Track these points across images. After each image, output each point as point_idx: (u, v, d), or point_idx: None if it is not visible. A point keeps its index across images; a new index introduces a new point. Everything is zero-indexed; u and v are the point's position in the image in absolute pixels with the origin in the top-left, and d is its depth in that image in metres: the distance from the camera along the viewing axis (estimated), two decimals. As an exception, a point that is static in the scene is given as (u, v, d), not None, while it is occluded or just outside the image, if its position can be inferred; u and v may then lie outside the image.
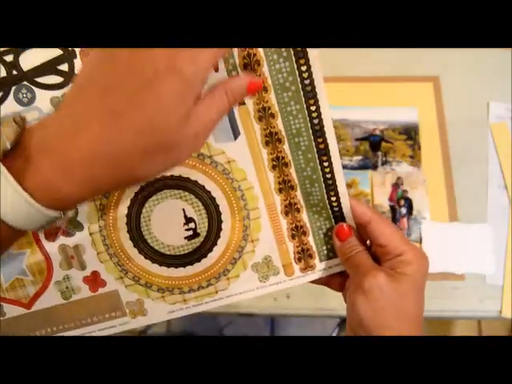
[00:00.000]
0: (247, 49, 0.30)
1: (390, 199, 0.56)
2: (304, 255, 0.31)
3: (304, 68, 0.29)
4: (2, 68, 0.29)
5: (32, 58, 0.29)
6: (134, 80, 0.22)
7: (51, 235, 0.31)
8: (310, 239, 0.31)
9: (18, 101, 0.29)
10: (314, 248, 0.31)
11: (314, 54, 0.30)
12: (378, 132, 0.60)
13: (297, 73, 0.28)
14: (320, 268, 0.32)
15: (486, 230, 0.52)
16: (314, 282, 0.33)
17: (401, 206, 0.56)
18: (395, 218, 0.55)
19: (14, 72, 0.29)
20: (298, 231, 0.31)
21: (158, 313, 0.33)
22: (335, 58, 0.58)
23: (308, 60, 0.29)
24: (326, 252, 0.31)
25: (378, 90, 0.62)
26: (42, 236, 0.31)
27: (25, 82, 0.29)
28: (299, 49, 0.30)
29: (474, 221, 0.48)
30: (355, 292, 0.28)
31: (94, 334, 0.33)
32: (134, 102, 0.21)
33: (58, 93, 0.29)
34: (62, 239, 0.31)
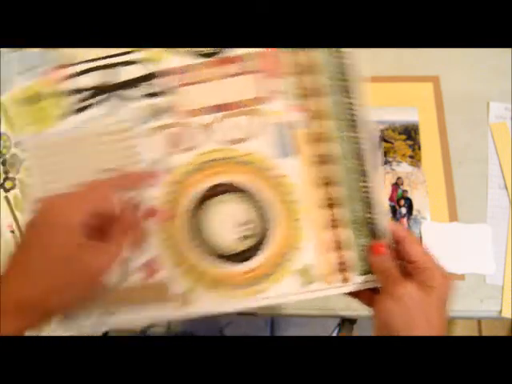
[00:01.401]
0: (305, 79, 0.34)
1: (390, 199, 0.56)
2: (342, 268, 0.33)
3: (354, 101, 0.33)
4: (101, 78, 0.33)
5: (125, 74, 0.34)
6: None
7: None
8: (349, 254, 0.33)
9: (108, 107, 0.34)
10: (352, 262, 0.33)
11: (362, 91, 0.33)
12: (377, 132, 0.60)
13: (348, 106, 0.33)
14: (356, 281, 0.33)
15: (485, 230, 0.52)
16: (355, 297, 0.35)
17: (401, 206, 0.56)
18: (395, 218, 0.55)
19: (110, 84, 0.33)
20: (338, 245, 0.33)
21: (206, 305, 0.34)
22: (335, 58, 0.58)
23: (354, 95, 0.33)
24: (362, 267, 0.33)
25: (378, 90, 0.62)
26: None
27: (116, 92, 0.33)
28: (349, 83, 0.33)
29: (474, 221, 0.48)
30: (386, 299, 0.31)
31: (143, 320, 0.35)
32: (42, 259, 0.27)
33: (141, 104, 0.33)
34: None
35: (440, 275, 0.31)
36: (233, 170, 0.33)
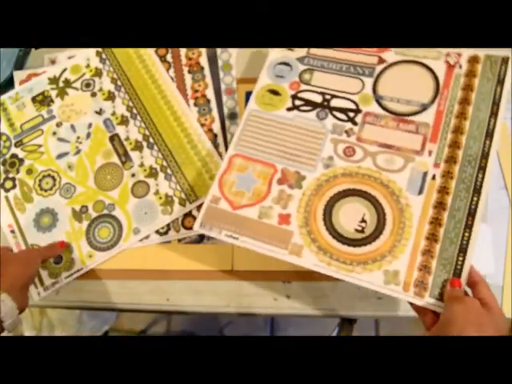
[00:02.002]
0: (448, 151, 0.46)
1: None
2: (421, 285, 0.42)
3: (480, 175, 0.44)
4: (321, 98, 0.52)
5: (338, 103, 0.51)
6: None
7: (281, 182, 0.48)
8: (430, 278, 0.42)
9: (317, 115, 0.51)
10: (430, 285, 0.41)
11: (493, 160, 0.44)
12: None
13: (474, 178, 0.44)
14: (427, 301, 0.41)
15: (485, 230, 0.52)
16: (413, 305, 0.42)
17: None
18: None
19: (325, 103, 0.51)
20: (425, 268, 0.42)
21: (308, 260, 0.44)
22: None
23: (485, 170, 0.44)
24: (436, 292, 0.41)
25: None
26: (275, 179, 0.48)
27: (326, 110, 0.51)
28: (484, 162, 0.44)
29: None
30: (455, 303, 0.38)
31: (259, 250, 0.45)
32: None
33: (339, 122, 0.50)
34: (285, 187, 0.48)
35: (501, 312, 0.38)
36: (373, 186, 0.46)
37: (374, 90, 0.51)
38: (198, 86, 0.61)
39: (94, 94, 0.62)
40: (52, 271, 0.54)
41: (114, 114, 0.60)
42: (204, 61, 0.63)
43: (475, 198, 0.43)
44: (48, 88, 0.63)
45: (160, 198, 0.56)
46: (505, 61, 0.47)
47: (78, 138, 0.60)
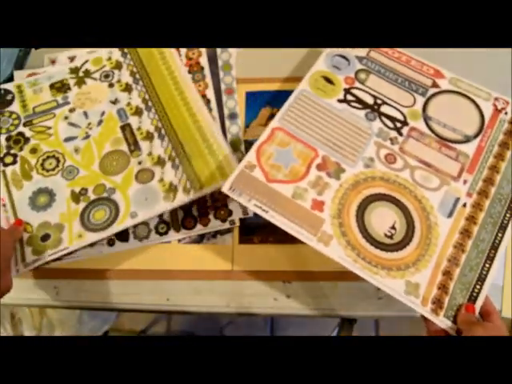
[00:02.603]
0: (480, 184, 0.49)
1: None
2: (437, 303, 0.43)
3: (508, 215, 0.47)
4: (373, 100, 0.53)
5: (388, 110, 0.53)
6: None
7: (321, 168, 0.48)
8: (447, 299, 0.43)
9: (366, 115, 0.52)
10: (446, 305, 0.43)
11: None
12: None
13: (503, 215, 0.47)
14: (441, 320, 0.42)
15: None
16: (428, 323, 0.43)
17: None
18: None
19: (376, 107, 0.53)
20: (443, 288, 0.43)
21: (335, 252, 0.44)
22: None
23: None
24: (450, 314, 0.42)
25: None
26: (314, 163, 0.48)
27: (375, 113, 0.52)
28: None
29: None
30: (475, 327, 0.39)
31: (287, 229, 0.44)
32: None
33: (385, 128, 0.51)
34: (323, 174, 0.48)
35: None
36: (407, 197, 0.47)
37: (424, 109, 0.52)
38: (198, 86, 0.62)
39: (111, 85, 0.63)
40: (37, 248, 0.53)
41: (128, 104, 0.61)
42: (204, 61, 0.63)
43: (500, 234, 0.46)
44: (67, 77, 0.64)
45: (164, 185, 0.55)
46: None
47: (89, 124, 0.60)
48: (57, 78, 0.64)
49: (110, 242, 0.55)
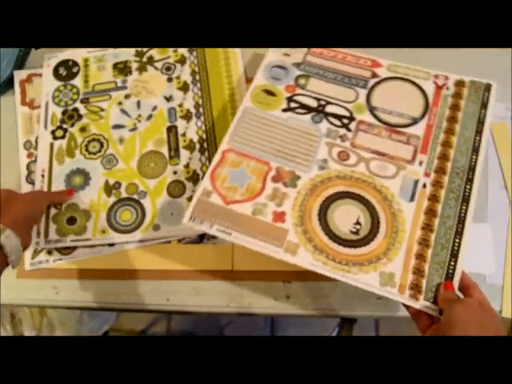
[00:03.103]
0: (437, 162, 0.49)
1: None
2: (416, 288, 0.43)
3: (468, 187, 0.47)
4: (316, 103, 0.53)
5: (333, 109, 0.53)
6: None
7: (276, 179, 0.48)
8: (424, 281, 0.43)
9: (312, 119, 0.52)
10: (424, 289, 0.43)
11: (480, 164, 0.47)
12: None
13: (463, 188, 0.47)
14: (421, 303, 0.42)
15: (486, 230, 0.52)
16: (409, 309, 0.43)
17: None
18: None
19: (320, 108, 0.53)
20: (418, 272, 0.43)
21: (304, 259, 0.44)
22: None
23: (473, 182, 0.47)
24: (430, 296, 0.42)
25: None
26: (269, 176, 0.48)
27: (321, 114, 0.52)
28: (471, 174, 0.47)
29: (473, 221, 0.47)
30: (455, 305, 0.39)
31: (252, 247, 0.44)
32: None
33: (333, 127, 0.52)
34: (279, 185, 0.48)
35: (496, 314, 0.39)
36: (367, 190, 0.47)
37: (368, 101, 0.53)
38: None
39: (170, 79, 0.62)
40: (61, 228, 0.54)
41: (181, 105, 0.60)
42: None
43: (464, 207, 0.46)
44: (132, 59, 0.63)
45: None
46: (487, 88, 0.52)
47: (139, 116, 0.60)
48: (121, 57, 0.64)
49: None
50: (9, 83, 0.64)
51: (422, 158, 0.49)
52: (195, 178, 0.56)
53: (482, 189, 0.54)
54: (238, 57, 0.63)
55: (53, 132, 0.59)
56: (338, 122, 0.52)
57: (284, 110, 0.53)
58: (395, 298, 0.42)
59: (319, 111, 0.52)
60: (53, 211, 0.55)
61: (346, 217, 0.46)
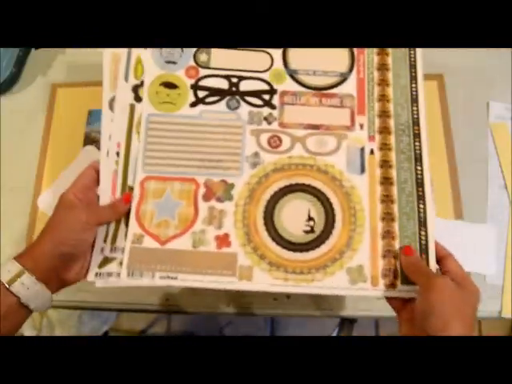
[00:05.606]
0: (380, 120, 0.43)
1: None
2: (390, 274, 0.38)
3: (417, 143, 0.42)
4: (227, 83, 0.44)
5: (248, 85, 0.44)
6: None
7: (208, 197, 0.41)
8: (397, 263, 0.38)
9: (228, 106, 0.44)
10: (399, 271, 0.38)
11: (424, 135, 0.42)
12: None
13: (412, 146, 0.42)
14: (399, 289, 0.38)
15: (487, 230, 0.52)
16: (389, 301, 0.39)
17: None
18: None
19: (234, 89, 0.44)
20: (389, 254, 0.39)
21: (262, 281, 0.39)
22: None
23: (420, 137, 0.42)
24: (405, 276, 0.38)
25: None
26: (200, 196, 0.41)
27: (237, 97, 0.44)
28: (416, 128, 0.42)
29: (473, 220, 0.48)
30: (428, 291, 0.35)
31: (204, 285, 0.39)
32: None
33: (255, 109, 0.44)
34: (213, 202, 0.41)
35: (472, 285, 0.36)
36: (311, 175, 0.41)
37: (286, 64, 0.45)
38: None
39: None
40: None
41: None
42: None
43: (419, 168, 0.41)
44: None
45: None
46: None
47: None
48: None
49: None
50: (9, 83, 0.64)
51: (362, 119, 0.42)
52: None
53: (482, 189, 0.54)
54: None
55: (135, 89, 0.44)
56: (258, 101, 0.43)
57: (192, 105, 0.43)
58: (370, 293, 0.38)
59: (233, 92, 0.43)
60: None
61: (295, 216, 0.40)
